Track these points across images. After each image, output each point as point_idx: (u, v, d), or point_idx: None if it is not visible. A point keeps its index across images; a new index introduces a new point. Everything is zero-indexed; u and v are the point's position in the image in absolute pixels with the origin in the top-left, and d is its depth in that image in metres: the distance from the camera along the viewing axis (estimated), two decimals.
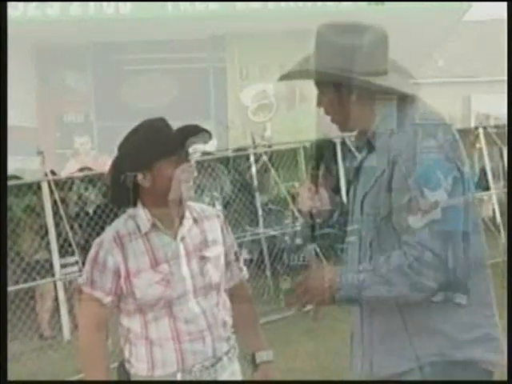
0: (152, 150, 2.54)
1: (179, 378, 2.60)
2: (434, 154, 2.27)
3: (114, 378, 2.74)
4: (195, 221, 2.72)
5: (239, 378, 2.79)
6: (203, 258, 2.67)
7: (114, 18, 16.54)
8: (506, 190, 11.51)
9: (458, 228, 2.31)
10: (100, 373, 2.64)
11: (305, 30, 9.06)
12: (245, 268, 2.98)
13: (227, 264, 2.82)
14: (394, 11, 16.02)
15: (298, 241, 9.43)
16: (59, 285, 8.33)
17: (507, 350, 2.74)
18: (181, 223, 2.67)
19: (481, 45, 30.97)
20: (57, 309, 8.53)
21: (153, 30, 16.65)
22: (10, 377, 6.00)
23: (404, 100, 2.43)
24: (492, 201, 10.56)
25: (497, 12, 27.02)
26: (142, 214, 2.62)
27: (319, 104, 2.52)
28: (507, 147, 9.35)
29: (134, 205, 2.65)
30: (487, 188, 10.93)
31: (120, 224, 2.68)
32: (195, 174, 2.70)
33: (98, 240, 2.67)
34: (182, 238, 2.65)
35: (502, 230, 10.18)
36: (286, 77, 2.67)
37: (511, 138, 6.89)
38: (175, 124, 2.77)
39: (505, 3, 5.34)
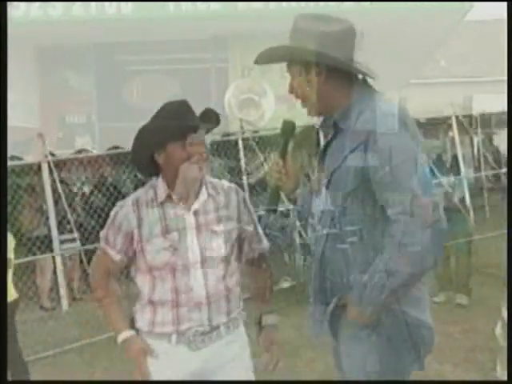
0: (165, 131, 2.69)
1: (174, 339, 2.76)
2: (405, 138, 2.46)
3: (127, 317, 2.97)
4: (210, 196, 2.85)
5: (235, 347, 2.91)
6: (213, 232, 2.79)
7: (115, 18, 16.52)
8: (475, 175, 12.36)
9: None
10: (116, 312, 2.88)
11: None
12: (265, 240, 3.10)
13: (245, 239, 2.95)
14: (395, 11, 15.98)
15: (281, 220, 9.71)
16: (58, 259, 8.67)
17: (507, 350, 2.76)
18: (196, 197, 2.80)
19: (482, 45, 30.80)
20: (56, 282, 8.89)
21: (154, 30, 16.59)
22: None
23: (369, 90, 2.65)
24: (463, 184, 10.94)
25: (498, 12, 27.00)
26: (160, 185, 2.79)
27: (291, 89, 2.71)
28: (507, 147, 9.42)
29: (157, 175, 2.84)
30: (458, 173, 11.39)
31: (142, 192, 2.85)
32: (207, 157, 2.83)
33: (119, 203, 2.86)
34: (195, 212, 2.78)
35: (471, 212, 10.86)
36: (259, 59, 2.76)
37: (511, 137, 6.88)
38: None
39: (505, 3, 5.36)
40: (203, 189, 2.84)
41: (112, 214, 2.83)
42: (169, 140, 2.70)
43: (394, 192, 2.40)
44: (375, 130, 2.43)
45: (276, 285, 8.76)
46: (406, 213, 2.36)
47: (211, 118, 2.87)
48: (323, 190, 2.62)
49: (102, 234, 2.86)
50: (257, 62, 2.78)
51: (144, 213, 2.76)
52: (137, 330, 2.86)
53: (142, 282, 2.82)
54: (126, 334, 2.80)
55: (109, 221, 2.84)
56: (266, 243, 3.08)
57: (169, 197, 2.78)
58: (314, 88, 2.60)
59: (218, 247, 2.81)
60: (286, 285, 9.07)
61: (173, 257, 2.72)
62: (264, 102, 17.65)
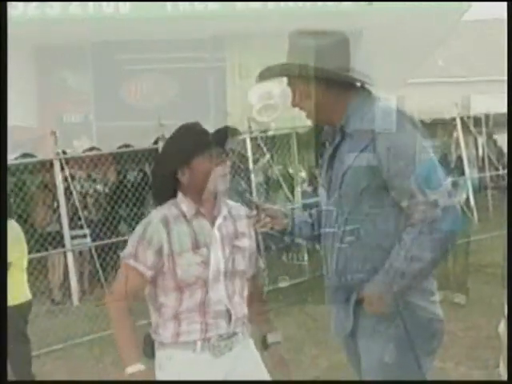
0: (188, 147, 2.79)
1: (198, 345, 2.83)
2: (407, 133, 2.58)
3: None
4: (229, 212, 2.95)
5: (253, 351, 3.02)
6: (234, 247, 2.90)
7: (113, 17, 16.53)
8: (479, 175, 12.52)
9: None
10: (131, 342, 2.84)
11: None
12: (260, 259, 3.19)
13: (250, 256, 3.02)
14: (393, 11, 16.05)
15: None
16: (69, 255, 8.88)
17: (507, 350, 2.84)
18: (218, 213, 2.89)
19: (480, 44, 30.92)
20: (67, 277, 9.12)
21: (152, 29, 16.52)
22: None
23: (368, 94, 2.76)
24: (467, 185, 11.08)
25: (497, 11, 27.12)
26: (185, 202, 2.85)
27: (294, 102, 2.82)
28: (507, 147, 9.54)
29: (175, 196, 2.91)
30: (462, 174, 11.61)
31: (165, 209, 2.87)
32: (228, 174, 2.90)
33: (145, 220, 2.88)
34: (219, 226, 2.87)
35: (474, 213, 11.03)
36: (261, 77, 2.92)
37: (511, 137, 6.97)
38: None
39: (505, 3, 5.44)
40: (222, 204, 2.93)
41: (139, 231, 2.84)
42: (193, 156, 2.79)
43: (407, 184, 2.51)
44: (381, 128, 2.55)
45: (274, 284, 8.92)
46: (421, 202, 2.48)
47: (228, 135, 2.95)
48: (335, 191, 2.70)
49: (128, 252, 2.84)
50: (259, 79, 2.93)
51: (173, 228, 2.80)
52: (152, 346, 2.91)
53: (166, 297, 2.85)
54: (135, 368, 2.77)
55: (136, 238, 2.83)
56: (261, 262, 3.20)
57: (197, 212, 2.85)
58: (315, 100, 2.72)
59: (239, 261, 2.91)
60: (284, 284, 9.22)
61: (204, 271, 2.80)
62: (280, 104, 17.76)
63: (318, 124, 2.90)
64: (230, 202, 3.05)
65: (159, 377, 2.87)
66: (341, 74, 2.68)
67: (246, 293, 2.99)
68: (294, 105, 2.81)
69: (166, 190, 2.91)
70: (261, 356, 3.05)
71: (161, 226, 2.80)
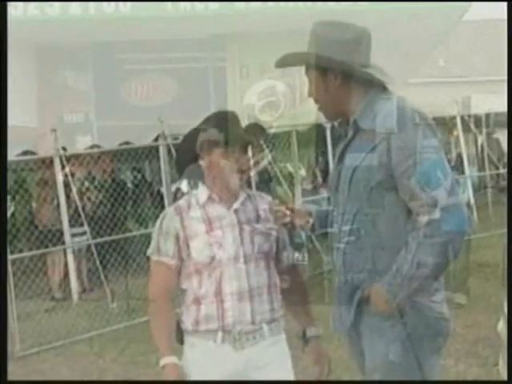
0: (208, 137, 2.84)
1: (219, 337, 2.85)
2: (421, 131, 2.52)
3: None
4: (249, 197, 2.98)
5: (277, 350, 2.98)
6: (254, 230, 2.91)
7: (113, 17, 16.56)
8: (479, 174, 12.62)
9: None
10: (164, 336, 2.90)
11: (305, 29, 9.11)
12: (296, 253, 3.18)
13: (281, 246, 3.06)
14: (394, 11, 16.07)
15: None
16: (69, 252, 8.98)
17: (507, 350, 2.84)
18: (235, 198, 2.92)
19: (481, 44, 30.95)
20: (67, 274, 9.19)
21: (153, 29, 16.52)
22: (24, 331, 6.97)
23: (383, 91, 2.72)
24: (467, 183, 11.09)
25: (497, 11, 27.10)
26: (200, 189, 2.93)
27: (310, 93, 2.80)
28: (507, 146, 9.53)
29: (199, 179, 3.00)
30: (462, 172, 11.59)
31: (182, 200, 3.00)
32: (248, 167, 2.94)
33: (162, 214, 2.99)
34: (236, 210, 2.90)
35: (474, 211, 11.05)
36: (279, 63, 2.90)
37: (511, 137, 6.99)
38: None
39: (504, 3, 5.44)
40: (241, 191, 2.95)
41: (157, 225, 2.94)
42: (215, 147, 2.82)
43: (416, 185, 2.47)
44: (394, 127, 2.52)
45: None
46: (428, 205, 2.44)
47: (256, 131, 3.00)
48: (345, 187, 2.68)
49: (152, 248, 2.93)
50: (277, 65, 2.89)
51: (187, 215, 2.88)
52: (181, 335, 2.94)
53: (188, 282, 2.91)
54: (168, 359, 2.83)
55: (156, 232, 2.94)
56: (297, 255, 3.22)
57: (209, 198, 2.89)
58: (331, 93, 2.70)
59: (259, 244, 2.91)
60: (284, 285, 9.24)
61: (219, 251, 2.83)
62: (283, 103, 17.75)
63: (332, 118, 2.88)
64: (251, 191, 3.10)
65: (183, 363, 2.91)
66: (362, 70, 2.68)
67: (274, 282, 2.99)
68: (310, 95, 2.79)
69: (184, 167, 3.02)
70: (301, 351, 3.04)
71: (174, 214, 2.89)
